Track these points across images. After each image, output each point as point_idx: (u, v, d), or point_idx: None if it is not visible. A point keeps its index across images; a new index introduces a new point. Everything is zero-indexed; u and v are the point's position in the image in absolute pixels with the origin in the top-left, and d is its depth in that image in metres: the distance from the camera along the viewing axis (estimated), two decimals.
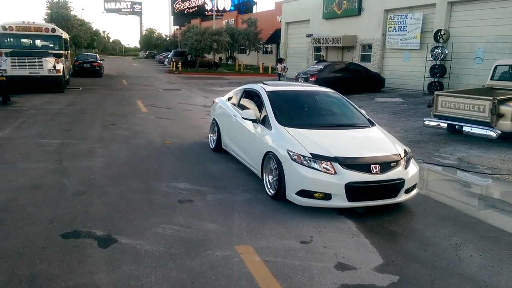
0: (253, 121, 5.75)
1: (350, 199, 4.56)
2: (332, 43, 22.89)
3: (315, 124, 5.53)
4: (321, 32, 24.59)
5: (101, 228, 4.17)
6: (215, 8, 49.31)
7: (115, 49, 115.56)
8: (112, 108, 13.02)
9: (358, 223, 4.52)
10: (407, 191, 4.90)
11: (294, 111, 5.88)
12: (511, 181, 6.38)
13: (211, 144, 7.71)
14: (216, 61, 38.60)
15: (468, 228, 4.51)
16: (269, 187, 5.27)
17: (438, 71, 16.98)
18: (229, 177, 6.09)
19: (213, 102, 8.14)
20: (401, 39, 19.52)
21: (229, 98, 7.34)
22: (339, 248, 3.91)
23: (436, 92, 9.35)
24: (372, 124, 5.76)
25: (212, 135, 7.77)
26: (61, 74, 16.22)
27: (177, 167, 6.49)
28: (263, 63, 36.42)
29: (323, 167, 4.61)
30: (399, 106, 14.99)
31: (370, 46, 21.57)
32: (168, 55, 45.86)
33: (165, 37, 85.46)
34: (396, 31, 19.66)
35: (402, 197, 4.83)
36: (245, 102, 6.60)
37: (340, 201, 4.57)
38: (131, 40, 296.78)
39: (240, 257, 3.66)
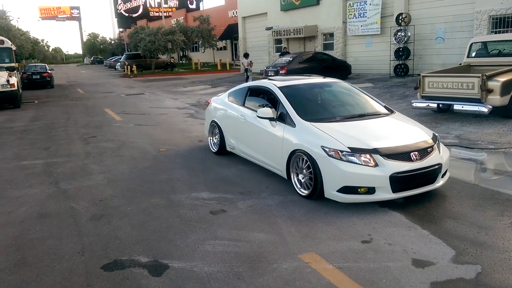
0: (270, 119, 5.46)
1: (394, 190, 4.41)
2: (294, 34, 22.87)
3: (339, 116, 5.33)
4: (280, 24, 24.52)
5: (142, 253, 3.73)
6: (162, 6, 47.94)
7: (56, 58, 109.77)
8: (83, 119, 12.17)
9: (406, 214, 4.38)
10: (443, 175, 4.84)
11: (313, 105, 5.65)
12: None
13: (212, 148, 7.32)
14: (172, 61, 37.61)
15: (509, 205, 4.50)
16: (299, 186, 5.02)
17: (403, 53, 17.42)
18: (248, 180, 5.77)
19: (208, 103, 7.73)
20: (361, 25, 19.84)
21: (229, 98, 6.97)
22: (404, 243, 3.75)
23: (422, 74, 9.48)
24: (392, 111, 5.66)
25: (212, 138, 7.38)
26: (15, 88, 15.00)
27: (188, 176, 6.07)
28: (220, 60, 35.91)
29: (362, 160, 4.43)
30: (373, 91, 15.19)
31: (331, 35, 21.77)
32: (120, 58, 44.08)
33: (110, 40, 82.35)
34: (356, 17, 19.94)
35: (440, 182, 4.76)
36: (252, 100, 6.27)
37: (385, 193, 4.41)
38: (71, 47, 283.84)
39: (311, 266, 3.40)
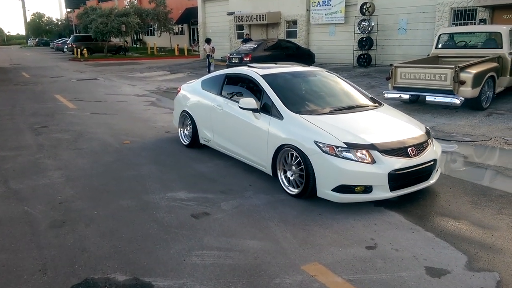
0: (254, 110, 4.98)
1: (392, 188, 4.12)
2: (257, 21, 22.30)
3: (327, 107, 4.95)
4: (243, 9, 23.83)
5: (118, 270, 3.17)
6: None
7: None
8: (31, 106, 11.03)
9: (403, 214, 4.11)
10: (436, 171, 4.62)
11: (299, 95, 5.22)
12: (493, 145, 6.54)
13: (184, 140, 6.74)
14: (125, 45, 35.82)
15: (505, 202, 4.36)
16: (287, 184, 4.62)
17: (366, 43, 17.44)
18: (228, 177, 5.29)
19: (178, 91, 7.10)
20: (325, 14, 19.65)
21: (203, 86, 6.40)
22: (411, 248, 3.45)
23: (394, 64, 9.35)
24: (380, 103, 5.36)
25: (182, 129, 6.79)
26: None
27: (160, 172, 5.48)
28: (178, 45, 34.63)
29: (359, 157, 4.09)
30: None
31: (295, 22, 21.43)
32: (67, 40, 41.34)
33: (56, 21, 77.52)
34: (320, 5, 19.71)
35: (434, 179, 4.54)
36: (230, 89, 5.75)
37: (382, 192, 4.11)
38: (13, 27, 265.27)
39: (318, 280, 3.01)
